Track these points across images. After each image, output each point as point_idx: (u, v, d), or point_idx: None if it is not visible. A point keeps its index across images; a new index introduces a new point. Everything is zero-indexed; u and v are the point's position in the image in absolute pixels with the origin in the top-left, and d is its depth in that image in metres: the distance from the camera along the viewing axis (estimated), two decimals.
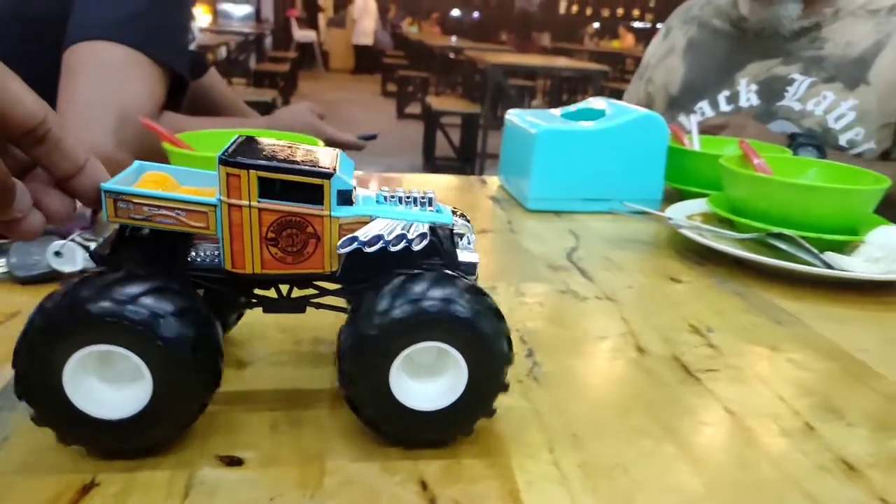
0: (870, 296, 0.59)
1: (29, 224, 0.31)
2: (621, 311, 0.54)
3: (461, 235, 0.37)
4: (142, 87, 0.79)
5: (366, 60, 10.13)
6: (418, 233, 0.33)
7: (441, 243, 0.35)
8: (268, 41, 8.73)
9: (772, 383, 0.43)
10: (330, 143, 1.05)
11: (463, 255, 0.36)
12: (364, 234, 0.32)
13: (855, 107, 1.06)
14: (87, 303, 0.30)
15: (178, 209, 0.32)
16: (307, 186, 0.32)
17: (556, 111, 0.90)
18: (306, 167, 0.32)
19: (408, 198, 0.35)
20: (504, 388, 0.34)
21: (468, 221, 0.37)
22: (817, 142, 1.01)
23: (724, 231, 0.67)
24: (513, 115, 0.88)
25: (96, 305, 0.29)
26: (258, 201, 0.31)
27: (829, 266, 0.59)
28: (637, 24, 12.38)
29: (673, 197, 0.82)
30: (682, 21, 1.31)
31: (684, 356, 0.46)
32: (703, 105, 1.22)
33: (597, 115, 0.83)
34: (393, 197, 0.35)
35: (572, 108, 0.89)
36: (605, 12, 13.46)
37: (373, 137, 1.12)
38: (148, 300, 0.30)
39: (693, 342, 0.49)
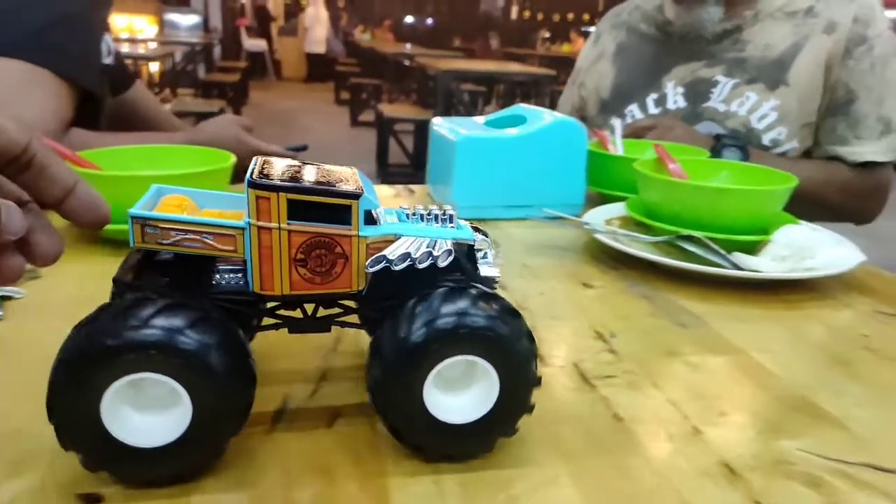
0: (775, 295, 0.60)
1: (9, 266, 0.29)
2: (530, 319, 0.53)
3: (480, 251, 0.38)
4: (43, 104, 0.76)
5: (319, 69, 10.06)
6: (443, 250, 0.34)
7: (463, 259, 0.36)
8: (217, 51, 8.59)
9: (665, 387, 0.44)
10: (258, 156, 1.04)
11: (483, 270, 0.37)
12: (391, 252, 0.33)
13: (776, 107, 1.08)
14: (130, 331, 0.29)
15: (206, 233, 0.32)
16: (336, 207, 0.33)
17: (481, 118, 0.90)
18: (335, 188, 0.32)
19: (428, 215, 0.36)
20: (530, 410, 0.35)
21: (486, 237, 0.38)
22: (741, 142, 1.04)
23: (637, 234, 0.67)
24: (437, 123, 0.87)
25: (132, 335, 0.29)
26: (287, 223, 0.32)
27: (737, 267, 0.60)
28: (588, 29, 12.57)
29: (598, 202, 0.82)
30: (612, 26, 1.33)
31: (584, 363, 0.46)
32: (633, 108, 1.23)
33: (520, 121, 0.83)
34: (414, 214, 0.36)
35: (496, 115, 0.89)
36: (556, 17, 13.64)
37: (303, 148, 1.11)
38: (190, 329, 0.30)
39: (595, 348, 0.49)
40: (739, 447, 0.38)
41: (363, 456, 0.35)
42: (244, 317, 0.35)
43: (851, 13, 1.05)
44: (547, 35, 11.72)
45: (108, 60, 0.97)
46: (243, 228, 0.32)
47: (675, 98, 1.19)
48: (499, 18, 13.17)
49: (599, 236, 0.67)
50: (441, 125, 0.85)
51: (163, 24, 7.76)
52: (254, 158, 0.35)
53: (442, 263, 0.34)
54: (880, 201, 1.14)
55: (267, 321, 0.37)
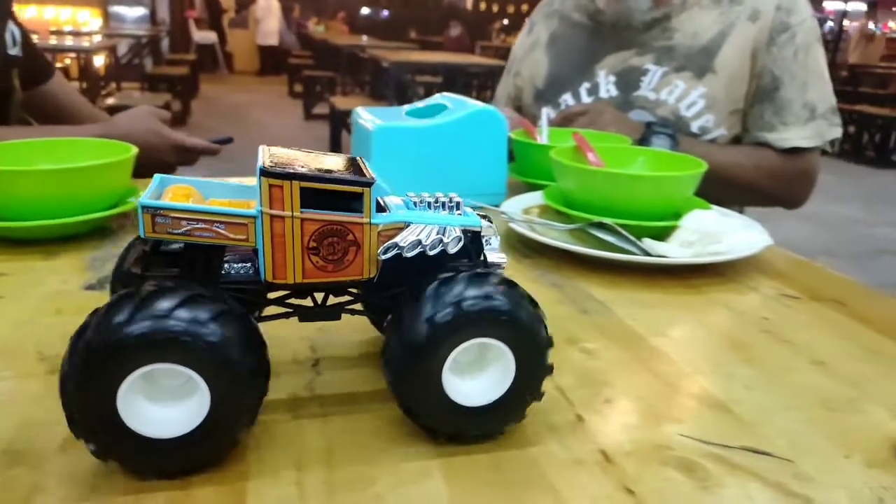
0: (682, 280, 0.60)
1: None
2: None
3: (485, 237, 0.38)
4: None
5: (271, 61, 9.89)
6: (453, 237, 0.35)
7: (471, 246, 0.36)
8: (165, 44, 8.38)
9: (556, 375, 0.43)
10: (178, 149, 1.00)
11: (490, 257, 0.37)
12: (403, 239, 0.34)
13: (704, 94, 1.10)
14: (146, 322, 0.29)
15: (218, 222, 0.32)
16: (348, 195, 0.33)
17: (405, 108, 0.88)
18: (348, 176, 0.32)
19: (436, 202, 0.36)
20: (549, 370, 0.35)
21: (491, 223, 0.38)
22: (670, 130, 1.04)
23: (553, 223, 0.67)
24: (358, 112, 0.85)
25: (157, 325, 0.29)
26: (301, 211, 0.32)
27: (646, 253, 0.60)
28: None
29: (524, 191, 0.82)
30: (545, 15, 1.33)
31: None
32: (567, 97, 1.23)
33: (442, 110, 0.82)
34: (422, 202, 0.36)
35: (420, 104, 0.88)
36: (511, 8, 13.66)
37: (228, 141, 1.08)
38: (213, 321, 0.29)
39: None
40: (619, 434, 0.37)
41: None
42: (253, 306, 0.36)
43: (774, 1, 1.07)
44: (504, 23, 11.74)
45: (14, 52, 0.93)
46: (255, 217, 0.32)
47: (608, 87, 1.20)
48: (464, 9, 13.13)
49: (514, 225, 0.67)
50: (362, 115, 0.83)
51: (108, 17, 7.52)
52: (260, 148, 0.34)
53: (452, 250, 0.34)
54: (808, 185, 1.17)
55: (275, 310, 0.37)
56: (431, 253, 0.34)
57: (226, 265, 0.36)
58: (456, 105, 0.81)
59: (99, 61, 5.54)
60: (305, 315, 0.37)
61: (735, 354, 0.48)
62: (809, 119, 1.08)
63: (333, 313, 0.38)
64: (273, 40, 10.01)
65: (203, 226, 0.31)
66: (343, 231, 0.33)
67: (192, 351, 0.29)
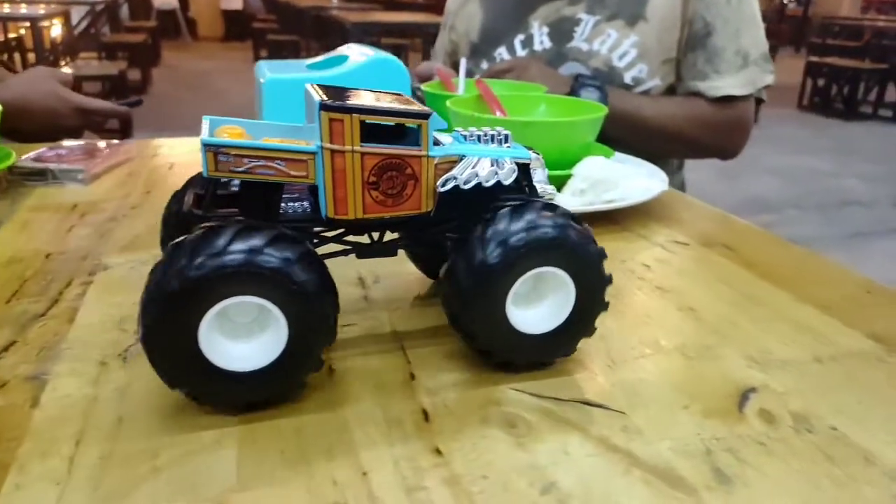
0: None
1: None
2: None
3: (533, 169, 0.38)
4: None
5: (236, 27, 9.61)
6: (507, 168, 0.35)
7: (522, 177, 0.36)
8: (125, 11, 8.11)
9: (402, 334, 0.41)
10: (81, 111, 0.95)
11: (539, 189, 0.37)
12: (460, 171, 0.34)
13: (636, 43, 1.06)
14: (222, 257, 0.29)
15: (279, 159, 0.31)
16: (405, 129, 0.33)
17: (308, 61, 0.84)
18: (406, 108, 0.33)
19: (485, 136, 0.36)
20: (605, 307, 0.37)
21: (539, 155, 0.38)
22: (598, 82, 1.01)
23: None
24: (259, 67, 0.81)
25: (232, 259, 0.29)
26: (360, 145, 0.32)
27: None
28: None
29: None
30: None
31: None
32: (502, 51, 1.19)
33: (343, 61, 0.78)
34: (471, 136, 0.36)
35: (321, 57, 0.83)
36: None
37: (137, 103, 1.03)
38: (275, 249, 0.30)
39: (352, 295, 0.45)
40: (448, 392, 0.35)
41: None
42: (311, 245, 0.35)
43: None
44: None
45: None
46: (315, 153, 0.32)
47: (542, 38, 1.16)
48: None
49: None
50: (260, 69, 0.79)
51: None
52: (306, 86, 0.34)
53: (506, 181, 0.35)
54: (742, 135, 1.14)
55: (332, 248, 0.36)
56: (487, 184, 0.34)
57: (284, 205, 0.35)
58: (356, 56, 0.77)
59: (56, 31, 5.35)
60: (365, 252, 0.37)
61: None
62: (742, 66, 1.05)
63: (390, 249, 0.38)
64: (237, 4, 9.73)
65: (264, 163, 0.31)
66: (402, 164, 0.33)
67: (259, 281, 0.30)
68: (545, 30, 1.15)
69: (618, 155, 0.68)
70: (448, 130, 0.37)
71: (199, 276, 0.29)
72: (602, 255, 0.36)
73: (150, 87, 5.70)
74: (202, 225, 0.30)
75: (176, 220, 0.39)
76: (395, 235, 0.38)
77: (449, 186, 0.34)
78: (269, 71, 0.75)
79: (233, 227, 0.30)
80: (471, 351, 0.38)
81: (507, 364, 0.36)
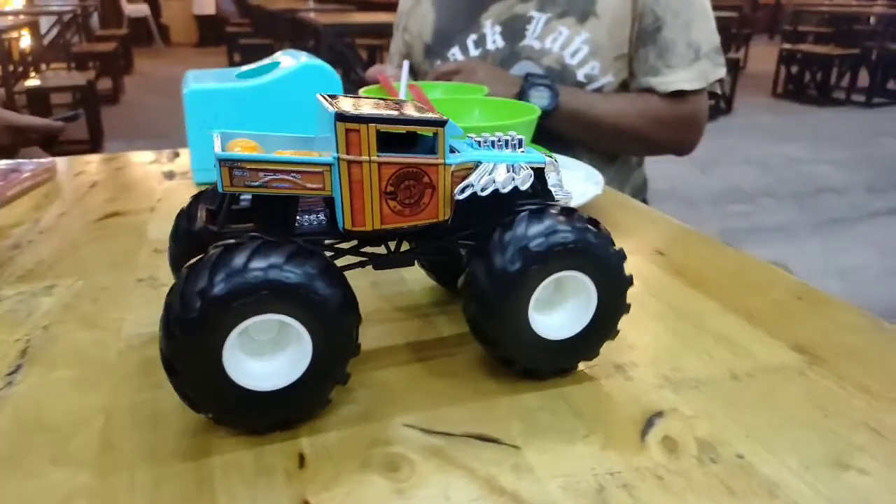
0: None
1: None
2: None
3: (549, 174, 0.37)
4: None
5: (210, 32, 9.49)
6: (523, 174, 0.35)
7: (538, 182, 0.36)
8: (95, 19, 8.01)
9: None
10: (13, 130, 0.92)
11: (556, 193, 0.37)
12: (477, 178, 0.34)
13: (587, 40, 1.04)
14: (244, 275, 0.29)
15: (295, 172, 0.31)
16: (421, 137, 0.33)
17: (240, 69, 0.81)
18: (422, 116, 0.32)
19: (499, 141, 0.36)
20: (627, 309, 0.36)
21: (554, 159, 0.37)
22: (548, 81, 0.99)
23: None
24: (187, 76, 0.78)
25: (254, 276, 0.29)
26: (378, 155, 0.31)
27: None
28: None
29: None
30: None
31: None
32: (455, 51, 1.17)
33: (274, 69, 0.75)
34: (485, 142, 0.36)
35: (255, 64, 0.81)
36: None
37: (74, 118, 1.00)
38: (296, 265, 0.29)
39: None
40: (334, 431, 0.32)
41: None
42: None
43: None
44: None
45: None
46: (331, 164, 0.31)
47: (494, 38, 1.14)
48: None
49: None
50: (187, 79, 0.76)
51: None
52: (317, 97, 0.34)
53: (524, 186, 0.34)
54: (696, 130, 1.12)
55: (348, 260, 0.36)
56: (504, 191, 0.34)
57: (299, 218, 0.35)
58: (287, 63, 0.74)
59: (25, 42, 5.26)
60: (381, 263, 0.37)
61: None
62: (694, 60, 1.04)
63: (407, 259, 0.37)
64: (210, 9, 9.62)
65: (281, 176, 0.31)
66: (419, 174, 0.33)
67: (282, 298, 0.29)
68: (497, 28, 1.12)
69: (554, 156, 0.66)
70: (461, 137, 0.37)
71: (221, 296, 0.28)
72: (622, 256, 0.35)
73: (123, 95, 5.63)
74: (218, 243, 0.30)
75: (188, 237, 0.38)
76: (408, 245, 0.38)
77: (467, 194, 0.33)
78: (194, 81, 0.72)
79: (251, 244, 0.29)
80: (370, 383, 0.35)
81: (532, 371, 0.36)
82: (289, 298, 0.29)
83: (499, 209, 0.35)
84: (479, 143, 0.36)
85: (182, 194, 0.70)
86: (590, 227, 0.34)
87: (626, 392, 0.36)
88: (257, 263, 0.29)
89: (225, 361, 0.29)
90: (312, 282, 0.30)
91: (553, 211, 0.34)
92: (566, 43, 1.05)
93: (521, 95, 0.97)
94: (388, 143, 0.32)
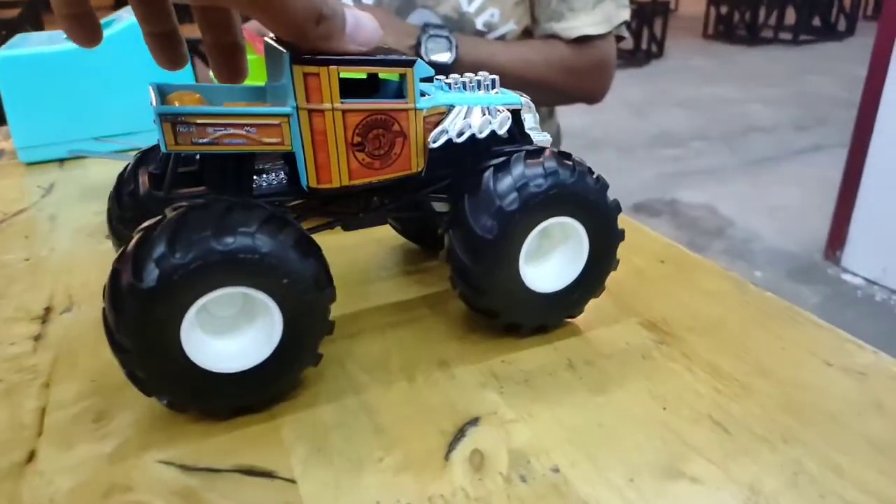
0: None
1: None
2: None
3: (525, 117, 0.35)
4: None
5: None
6: (500, 116, 0.32)
7: (514, 126, 0.34)
8: None
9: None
10: None
11: (534, 137, 0.35)
12: (451, 124, 0.31)
13: None
14: (210, 242, 0.25)
15: (248, 125, 0.28)
16: (388, 81, 0.31)
17: (54, 33, 0.71)
18: (388, 57, 0.29)
19: (470, 82, 0.33)
20: (615, 265, 0.34)
21: (528, 99, 0.35)
22: (446, 32, 0.92)
23: None
24: (10, 42, 0.68)
25: (223, 244, 0.25)
26: (341, 102, 0.28)
27: None
28: None
29: None
30: None
31: None
32: (347, 0, 1.08)
33: (106, 28, 0.66)
34: (456, 84, 0.33)
35: None
36: None
37: None
38: (268, 232, 0.26)
39: None
40: (69, 475, 0.26)
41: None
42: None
43: None
44: None
45: None
46: (289, 115, 0.28)
47: None
48: None
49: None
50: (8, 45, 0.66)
51: None
52: (266, 40, 0.30)
53: (501, 131, 0.32)
54: (605, 76, 1.07)
55: (315, 222, 0.32)
56: (481, 136, 0.31)
57: (256, 178, 0.32)
58: (123, 20, 0.65)
59: None
60: (353, 222, 0.34)
61: None
62: (597, 2, 0.98)
63: (380, 217, 0.35)
64: None
65: (232, 131, 0.27)
66: (388, 121, 0.29)
67: (274, 275, 0.26)
68: None
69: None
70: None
71: (184, 264, 0.25)
72: (618, 208, 0.33)
73: None
74: (179, 205, 0.26)
75: (133, 203, 0.34)
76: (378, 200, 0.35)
77: (442, 140, 0.31)
78: (10, 47, 0.63)
79: (218, 205, 0.26)
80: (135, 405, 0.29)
81: (515, 327, 0.33)
82: (260, 270, 0.26)
83: (475, 156, 0.32)
84: (448, 85, 0.33)
85: (4, 178, 0.61)
86: (588, 172, 0.32)
87: (443, 395, 0.30)
88: (225, 229, 0.25)
89: (183, 339, 0.26)
90: (286, 251, 0.27)
91: (549, 153, 0.32)
92: None
93: (418, 47, 0.90)
94: (346, 90, 0.28)
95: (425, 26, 0.94)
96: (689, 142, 3.34)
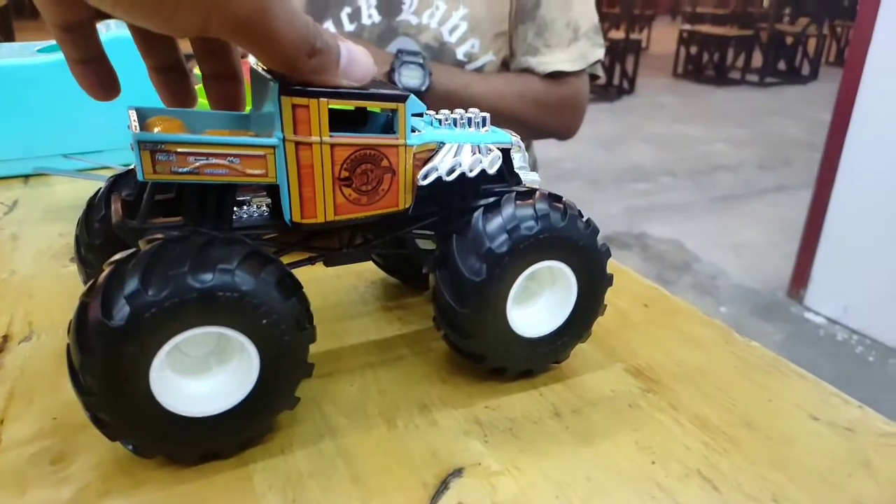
0: None
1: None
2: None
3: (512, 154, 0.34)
4: None
5: None
6: (491, 156, 0.31)
7: (503, 165, 0.33)
8: None
9: None
10: None
11: (524, 176, 0.34)
12: (441, 161, 0.30)
13: (466, 16, 0.98)
14: (186, 279, 0.24)
15: (232, 155, 0.26)
16: (378, 115, 0.31)
17: (42, 43, 0.69)
18: (380, 91, 0.28)
19: (461, 119, 0.33)
20: (602, 310, 0.34)
21: (517, 138, 0.34)
22: (420, 59, 0.92)
23: None
24: None
25: (200, 281, 0.24)
26: (330, 136, 0.27)
27: None
28: None
29: None
30: None
31: None
32: (328, 25, 1.08)
33: None
34: (447, 120, 0.33)
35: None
36: None
37: None
38: (249, 269, 0.25)
39: None
40: None
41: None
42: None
43: None
44: None
45: None
46: (275, 146, 0.27)
47: (370, 12, 1.05)
48: None
49: None
50: None
51: None
52: (251, 66, 0.29)
53: (492, 170, 0.31)
54: (575, 114, 1.08)
55: (295, 256, 0.32)
56: (471, 174, 0.30)
57: (237, 209, 0.31)
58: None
59: None
60: (334, 259, 0.33)
61: None
62: (573, 40, 0.99)
63: (364, 254, 0.34)
64: None
65: (215, 161, 0.26)
66: (377, 156, 0.29)
67: (254, 315, 0.25)
68: (373, 2, 1.04)
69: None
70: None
71: (158, 302, 0.24)
72: (607, 253, 0.33)
73: None
74: (153, 237, 0.25)
75: (104, 230, 0.33)
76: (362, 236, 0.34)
77: (431, 178, 0.30)
78: None
79: (196, 239, 0.25)
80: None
81: (500, 370, 0.33)
82: (238, 309, 0.25)
83: (463, 195, 0.32)
84: (439, 121, 0.33)
85: None
86: (579, 216, 0.32)
87: (425, 442, 0.29)
88: (202, 265, 0.24)
89: (153, 381, 0.25)
90: (268, 290, 0.26)
91: (538, 195, 0.31)
92: (444, 18, 0.98)
93: (392, 74, 0.90)
94: (333, 120, 0.27)
95: (399, 52, 0.94)
96: (658, 177, 3.41)
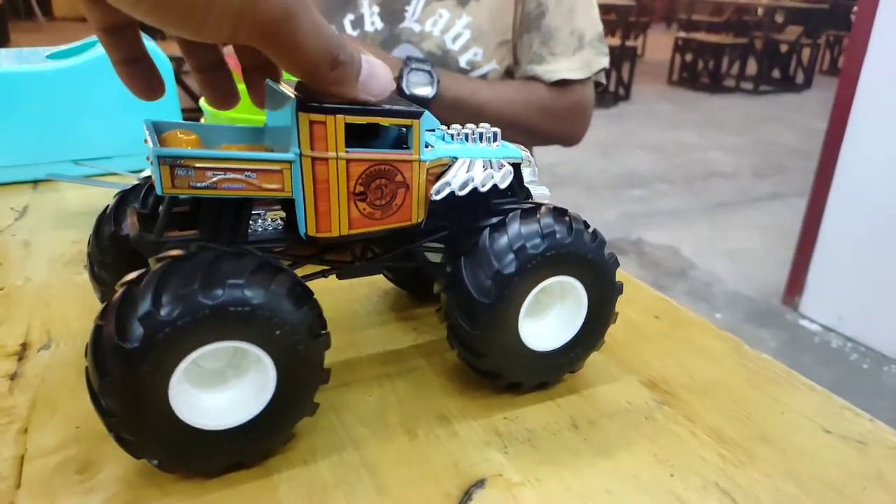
0: None
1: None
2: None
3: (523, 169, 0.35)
4: None
5: None
6: (503, 171, 0.32)
7: (514, 180, 0.34)
8: None
9: None
10: None
11: (534, 191, 0.35)
12: (454, 176, 0.30)
13: (469, 25, 0.98)
14: (198, 297, 0.24)
15: (249, 170, 0.27)
16: (393, 131, 0.31)
17: (50, 49, 0.70)
18: (395, 107, 0.28)
19: (472, 134, 0.33)
20: (614, 318, 0.34)
21: (528, 153, 0.34)
22: (428, 66, 0.92)
23: None
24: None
25: (208, 297, 0.24)
26: (346, 151, 0.28)
27: None
28: None
29: None
30: None
31: None
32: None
33: (88, 50, 0.64)
34: (459, 135, 0.33)
35: (65, 46, 0.69)
36: None
37: None
38: (260, 283, 0.25)
39: None
40: None
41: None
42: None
43: None
44: None
45: None
46: (292, 161, 0.27)
47: (373, 19, 1.06)
48: None
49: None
50: None
51: None
52: (267, 83, 0.30)
53: (503, 185, 0.31)
54: (581, 121, 1.09)
55: (308, 269, 0.32)
56: (483, 189, 0.31)
57: (252, 223, 0.31)
58: (99, 46, 0.64)
59: None
60: (347, 272, 0.33)
61: None
62: (578, 48, 1.00)
63: (375, 267, 0.34)
64: None
65: (232, 176, 0.26)
66: (391, 171, 0.29)
67: (266, 328, 0.26)
68: (376, 9, 1.05)
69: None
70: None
71: (171, 321, 0.24)
72: (616, 263, 0.33)
73: None
74: (162, 255, 0.25)
75: (114, 247, 0.33)
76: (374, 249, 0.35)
77: (444, 193, 0.30)
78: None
79: (204, 256, 0.25)
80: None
81: (516, 385, 0.33)
82: (252, 323, 0.25)
83: (475, 210, 0.32)
84: (451, 136, 0.33)
85: None
86: (585, 229, 0.32)
87: (446, 453, 0.29)
88: (214, 281, 0.25)
89: (172, 398, 0.25)
90: (279, 302, 0.26)
91: (545, 210, 0.31)
92: (447, 27, 0.99)
93: (400, 79, 0.90)
94: (347, 135, 0.28)
95: (408, 59, 0.94)
96: (653, 183, 3.42)
